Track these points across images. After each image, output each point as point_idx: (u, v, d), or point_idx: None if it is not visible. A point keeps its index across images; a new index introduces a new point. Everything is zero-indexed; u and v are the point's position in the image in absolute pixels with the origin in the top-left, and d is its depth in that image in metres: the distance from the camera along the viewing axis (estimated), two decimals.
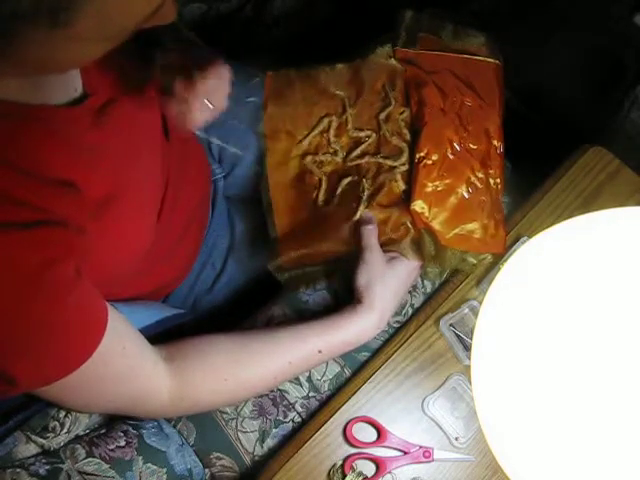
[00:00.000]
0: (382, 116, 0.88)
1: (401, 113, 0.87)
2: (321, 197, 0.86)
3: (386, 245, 0.79)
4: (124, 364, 0.63)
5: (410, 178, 0.82)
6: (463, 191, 0.81)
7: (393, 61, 0.90)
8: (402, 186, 0.83)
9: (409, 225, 0.80)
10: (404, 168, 0.84)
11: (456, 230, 0.80)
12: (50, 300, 0.53)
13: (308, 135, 0.88)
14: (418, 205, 0.79)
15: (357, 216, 0.81)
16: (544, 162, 0.88)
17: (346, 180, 0.85)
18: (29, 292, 0.51)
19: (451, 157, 0.82)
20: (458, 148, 0.83)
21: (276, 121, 0.89)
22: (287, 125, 0.89)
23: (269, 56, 1.32)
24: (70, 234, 0.54)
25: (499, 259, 0.81)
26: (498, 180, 0.83)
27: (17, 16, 0.40)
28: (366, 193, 0.82)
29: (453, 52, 0.90)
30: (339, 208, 0.84)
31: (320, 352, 0.74)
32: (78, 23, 0.42)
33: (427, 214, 0.79)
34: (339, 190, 0.85)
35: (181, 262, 0.90)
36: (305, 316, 0.86)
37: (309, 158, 0.88)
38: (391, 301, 0.77)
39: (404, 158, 0.84)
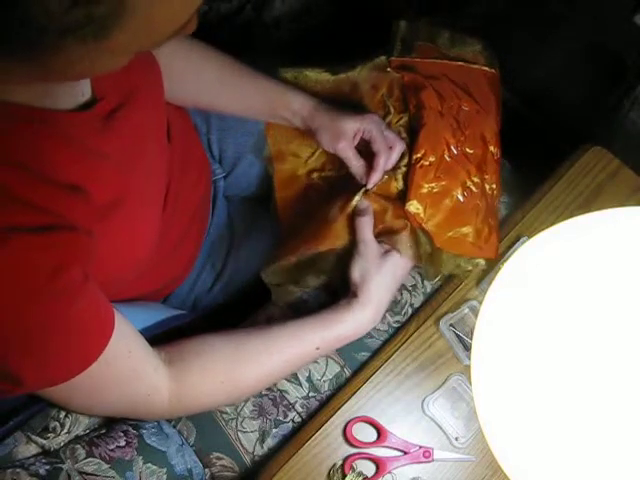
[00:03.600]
0: None
1: (398, 120, 0.87)
2: (323, 200, 0.86)
3: (382, 236, 0.79)
4: (128, 367, 0.63)
5: (407, 179, 0.82)
6: (458, 194, 0.81)
7: (389, 70, 0.90)
8: (400, 186, 0.83)
9: (404, 221, 0.80)
10: (405, 169, 0.84)
11: (450, 233, 0.79)
12: (59, 303, 0.53)
13: (314, 154, 0.90)
14: (413, 206, 0.79)
15: (353, 202, 0.80)
16: (544, 162, 0.88)
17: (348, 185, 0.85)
18: (38, 295, 0.51)
19: (448, 159, 0.82)
20: (455, 151, 0.83)
21: (280, 144, 0.91)
22: (292, 147, 0.91)
23: (269, 57, 1.32)
24: (78, 238, 0.55)
25: (493, 264, 0.81)
26: (494, 186, 0.83)
27: (65, 30, 0.41)
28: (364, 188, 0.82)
29: (450, 59, 0.90)
30: (336, 202, 0.84)
31: (317, 349, 0.74)
32: (115, 37, 0.42)
33: (422, 215, 0.79)
34: (340, 189, 0.85)
35: (182, 262, 0.90)
36: (304, 315, 0.86)
37: (316, 174, 0.89)
38: (386, 294, 0.77)
39: (405, 160, 0.84)
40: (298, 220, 0.88)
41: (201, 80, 0.85)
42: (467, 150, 0.83)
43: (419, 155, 0.82)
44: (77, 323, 0.56)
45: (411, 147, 0.84)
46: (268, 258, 0.84)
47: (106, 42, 0.43)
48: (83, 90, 0.60)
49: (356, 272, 0.76)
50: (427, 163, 0.81)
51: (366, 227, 0.78)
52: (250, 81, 0.86)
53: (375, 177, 0.81)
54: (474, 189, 0.82)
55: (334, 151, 0.84)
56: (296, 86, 0.87)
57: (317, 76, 0.92)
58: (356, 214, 0.79)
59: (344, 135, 0.82)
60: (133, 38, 0.44)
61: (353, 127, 0.82)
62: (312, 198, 0.89)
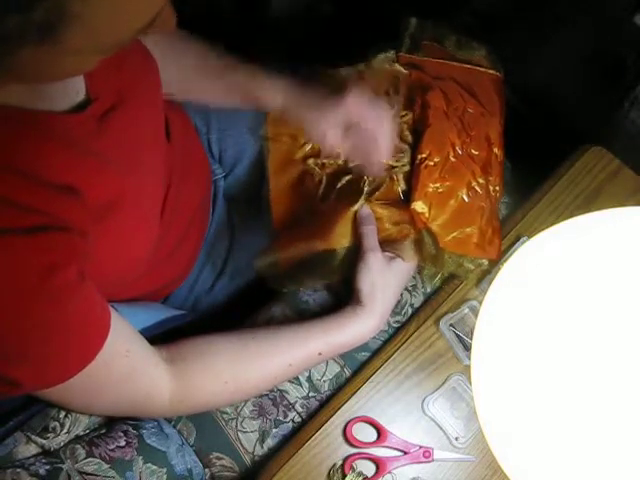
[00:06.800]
0: None
1: (403, 116, 0.87)
2: (320, 193, 0.86)
3: (386, 242, 0.79)
4: (126, 366, 0.63)
5: (410, 179, 0.82)
6: (463, 195, 0.81)
7: (397, 66, 0.90)
8: (402, 186, 0.83)
9: (408, 226, 0.80)
10: (406, 169, 0.84)
11: (455, 233, 0.79)
12: (53, 305, 0.53)
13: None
14: (419, 205, 0.79)
15: (356, 207, 0.80)
16: (544, 162, 0.88)
17: (346, 177, 0.85)
18: (32, 297, 0.51)
19: (453, 160, 0.82)
20: (460, 152, 0.83)
21: (279, 124, 0.90)
22: (290, 128, 0.89)
23: (269, 56, 1.32)
24: (73, 238, 0.54)
25: (493, 264, 0.81)
26: (497, 188, 0.84)
27: (4, 38, 0.40)
28: (367, 188, 0.82)
29: (456, 61, 0.90)
30: (336, 203, 0.83)
31: (320, 354, 0.74)
32: (69, 39, 0.42)
33: (427, 215, 0.79)
34: (339, 185, 0.85)
35: (182, 263, 0.90)
36: (306, 316, 0.86)
37: (311, 160, 0.88)
38: (391, 302, 0.77)
39: (406, 159, 0.84)
40: (293, 211, 0.87)
41: (181, 66, 0.82)
42: (472, 151, 0.83)
43: (424, 155, 0.82)
44: (73, 323, 0.56)
45: (415, 147, 0.84)
46: (263, 249, 0.83)
47: (60, 44, 0.42)
48: (77, 90, 0.60)
49: (362, 281, 0.75)
50: (432, 163, 0.82)
51: (371, 235, 0.77)
52: (230, 67, 0.84)
53: (379, 165, 0.80)
54: (479, 190, 0.82)
55: (324, 148, 0.81)
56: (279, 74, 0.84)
57: (322, 71, 0.92)
58: (359, 223, 0.78)
59: (332, 125, 0.78)
60: (90, 39, 0.43)
61: (340, 114, 0.77)
62: (308, 187, 0.87)
